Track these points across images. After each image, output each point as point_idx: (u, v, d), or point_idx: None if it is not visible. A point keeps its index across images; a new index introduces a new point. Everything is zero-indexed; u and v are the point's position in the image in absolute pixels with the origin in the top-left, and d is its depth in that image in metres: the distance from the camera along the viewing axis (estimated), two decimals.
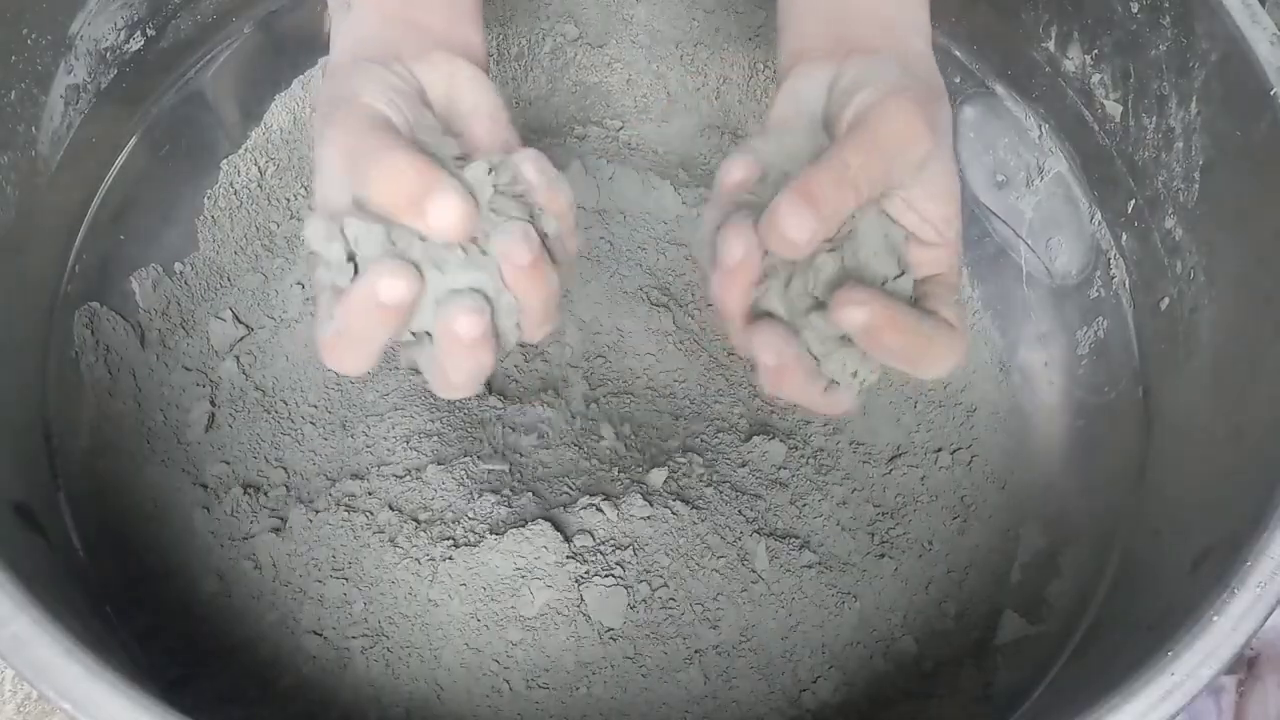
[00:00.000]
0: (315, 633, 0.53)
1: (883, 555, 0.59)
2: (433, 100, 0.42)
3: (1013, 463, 0.62)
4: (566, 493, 0.57)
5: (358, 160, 0.37)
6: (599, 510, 0.55)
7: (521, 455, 0.58)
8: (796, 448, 0.61)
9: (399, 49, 0.42)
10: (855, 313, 0.36)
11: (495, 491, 0.56)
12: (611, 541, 0.55)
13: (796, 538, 0.58)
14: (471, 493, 0.56)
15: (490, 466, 0.57)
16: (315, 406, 0.60)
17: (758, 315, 0.39)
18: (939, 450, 0.62)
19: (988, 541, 0.60)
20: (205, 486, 0.58)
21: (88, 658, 0.35)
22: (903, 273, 0.39)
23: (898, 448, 0.62)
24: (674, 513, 0.57)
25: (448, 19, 0.43)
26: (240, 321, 0.62)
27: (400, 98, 0.40)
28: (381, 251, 0.37)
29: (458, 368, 0.38)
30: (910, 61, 0.42)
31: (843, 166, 0.37)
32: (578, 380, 0.62)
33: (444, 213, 0.35)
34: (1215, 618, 0.38)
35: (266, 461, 0.59)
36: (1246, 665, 0.60)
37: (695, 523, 0.57)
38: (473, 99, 0.42)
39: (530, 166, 0.40)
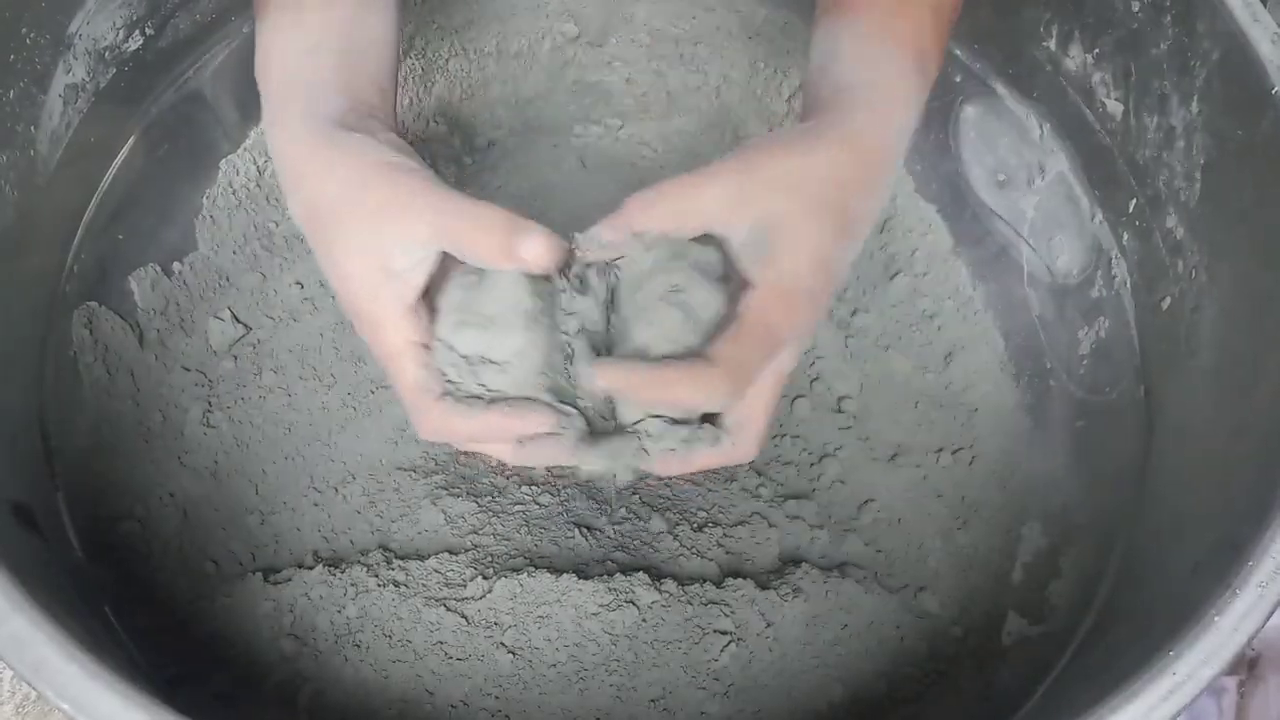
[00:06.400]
0: (310, 634, 0.53)
1: (883, 555, 0.59)
2: None
3: (1014, 462, 0.62)
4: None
5: (441, 217, 0.40)
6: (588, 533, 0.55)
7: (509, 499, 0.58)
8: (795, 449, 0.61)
9: (363, 125, 0.43)
10: (600, 383, 0.40)
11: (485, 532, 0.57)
12: (617, 555, 0.55)
13: (800, 543, 0.58)
14: (464, 531, 0.56)
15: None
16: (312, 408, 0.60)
17: None
18: (940, 450, 0.62)
19: (988, 541, 0.60)
20: (203, 486, 0.58)
21: (86, 657, 0.35)
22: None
23: (898, 446, 0.62)
24: (675, 536, 0.57)
25: (382, 107, 0.46)
26: (239, 321, 0.62)
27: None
28: (532, 387, 0.41)
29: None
30: (860, 131, 0.43)
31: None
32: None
33: (534, 250, 0.39)
34: (1217, 618, 0.37)
35: (263, 461, 0.59)
36: (1248, 666, 0.60)
37: (693, 532, 0.57)
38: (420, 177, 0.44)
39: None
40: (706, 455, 0.43)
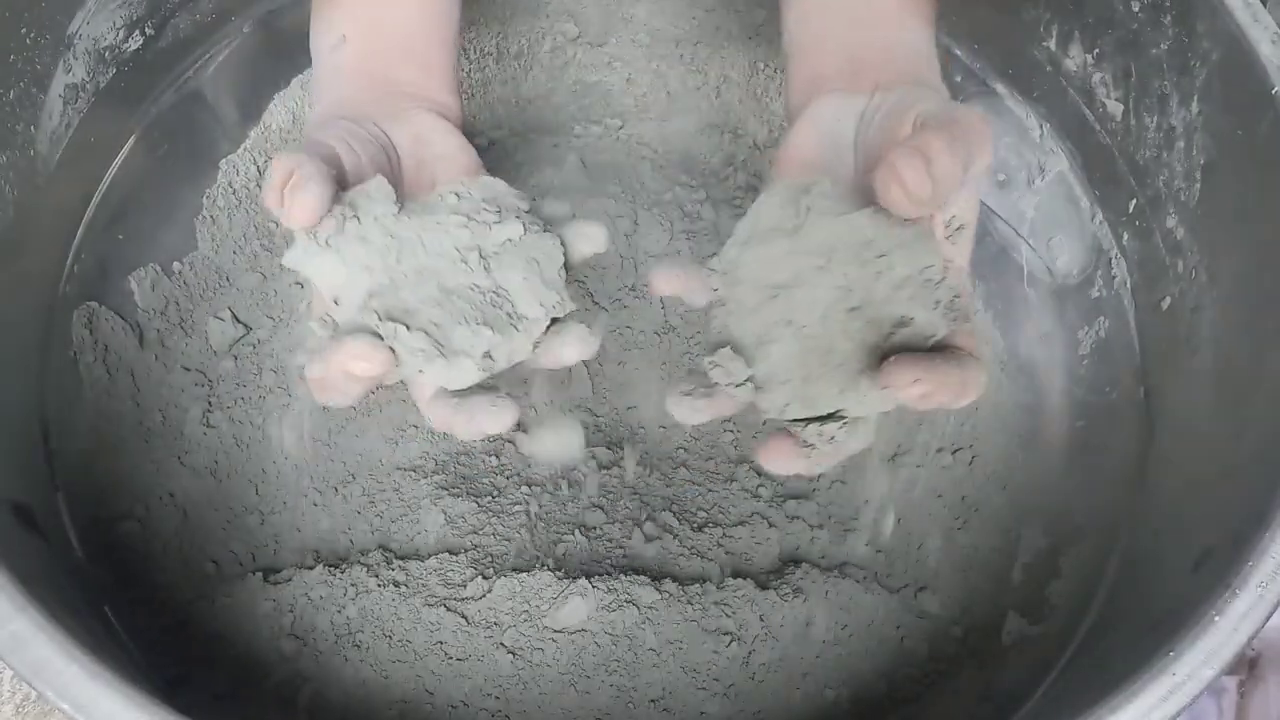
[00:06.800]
0: (310, 634, 0.53)
1: (883, 555, 0.59)
2: (404, 151, 0.45)
3: (1014, 463, 0.62)
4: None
5: None
6: (593, 536, 0.55)
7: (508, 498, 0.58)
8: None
9: (374, 109, 0.45)
10: (913, 390, 0.37)
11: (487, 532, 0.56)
12: (618, 556, 0.55)
13: (800, 542, 0.58)
14: (463, 529, 0.56)
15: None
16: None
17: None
18: (940, 450, 0.62)
19: (988, 541, 0.60)
20: (203, 486, 0.57)
21: (86, 658, 0.35)
22: (908, 317, 0.39)
23: (899, 447, 0.62)
24: (676, 536, 0.57)
25: (422, 81, 0.48)
26: (239, 321, 0.62)
27: (359, 143, 0.43)
28: (357, 311, 0.38)
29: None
30: (935, 89, 0.44)
31: (943, 136, 0.37)
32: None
33: (295, 204, 0.38)
34: (1217, 618, 0.37)
35: (263, 461, 0.59)
36: (1248, 666, 0.60)
37: (691, 534, 0.57)
38: (442, 147, 0.46)
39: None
40: (847, 447, 0.42)
